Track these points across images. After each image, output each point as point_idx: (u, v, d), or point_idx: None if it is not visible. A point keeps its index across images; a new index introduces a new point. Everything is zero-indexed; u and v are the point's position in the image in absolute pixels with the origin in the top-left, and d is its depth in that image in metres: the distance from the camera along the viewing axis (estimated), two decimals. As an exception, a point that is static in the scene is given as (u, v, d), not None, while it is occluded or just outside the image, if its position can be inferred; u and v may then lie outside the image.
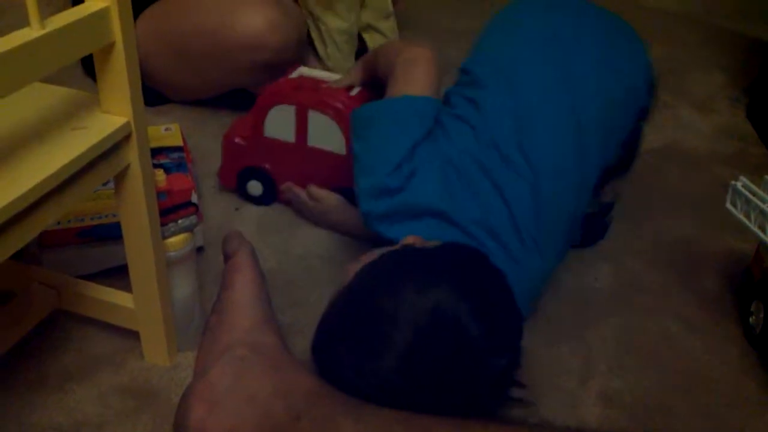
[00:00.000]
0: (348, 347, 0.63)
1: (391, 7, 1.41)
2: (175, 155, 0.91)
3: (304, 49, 1.26)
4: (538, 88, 0.82)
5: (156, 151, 0.90)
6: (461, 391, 0.61)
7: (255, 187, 1.04)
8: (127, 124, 0.58)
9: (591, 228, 0.97)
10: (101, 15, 0.52)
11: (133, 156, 0.61)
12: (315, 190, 0.98)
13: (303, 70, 1.07)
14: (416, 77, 0.85)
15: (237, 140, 1.01)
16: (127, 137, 0.59)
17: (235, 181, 1.04)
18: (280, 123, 0.98)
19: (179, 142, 0.95)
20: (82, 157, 0.54)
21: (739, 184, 0.87)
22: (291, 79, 1.03)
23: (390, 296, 0.63)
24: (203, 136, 1.17)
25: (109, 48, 0.55)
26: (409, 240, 0.74)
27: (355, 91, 0.99)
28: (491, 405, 0.66)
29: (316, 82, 1.01)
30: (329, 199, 0.98)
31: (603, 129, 0.83)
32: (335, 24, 1.28)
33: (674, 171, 1.23)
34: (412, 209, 0.78)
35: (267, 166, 1.02)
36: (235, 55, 1.10)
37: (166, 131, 0.98)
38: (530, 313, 0.83)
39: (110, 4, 0.53)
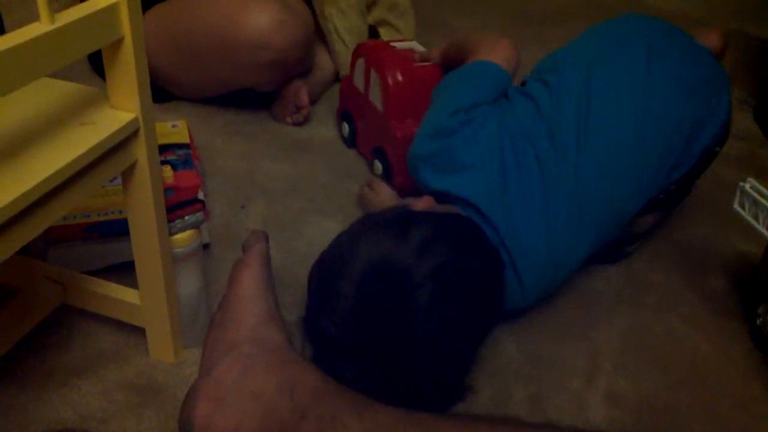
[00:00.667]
0: (318, 288, 0.71)
1: (405, 5, 1.42)
2: (182, 152, 0.91)
3: (313, 48, 1.26)
4: (610, 90, 0.82)
5: (163, 148, 0.89)
6: (406, 362, 0.64)
7: (344, 129, 1.18)
8: (135, 120, 0.58)
9: (609, 252, 0.95)
10: (111, 10, 0.52)
11: (140, 152, 0.61)
12: (375, 180, 1.03)
13: (414, 44, 1.14)
14: (495, 53, 0.89)
15: (344, 82, 1.16)
16: (135, 133, 0.59)
17: (339, 119, 1.20)
18: (360, 74, 1.10)
19: (186, 139, 0.95)
20: (89, 153, 0.54)
21: (747, 186, 0.86)
22: (391, 45, 1.13)
23: (356, 242, 0.69)
24: (209, 133, 1.17)
25: (118, 43, 0.55)
26: (422, 203, 0.76)
27: (425, 64, 1.05)
28: (435, 393, 0.68)
29: (411, 53, 1.08)
30: (384, 190, 1.01)
31: (661, 154, 0.82)
32: (342, 23, 1.31)
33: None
34: (457, 159, 0.80)
35: (352, 111, 1.15)
36: (240, 54, 1.10)
37: (173, 128, 0.98)
38: (531, 307, 0.84)
39: (120, -1, 0.53)
